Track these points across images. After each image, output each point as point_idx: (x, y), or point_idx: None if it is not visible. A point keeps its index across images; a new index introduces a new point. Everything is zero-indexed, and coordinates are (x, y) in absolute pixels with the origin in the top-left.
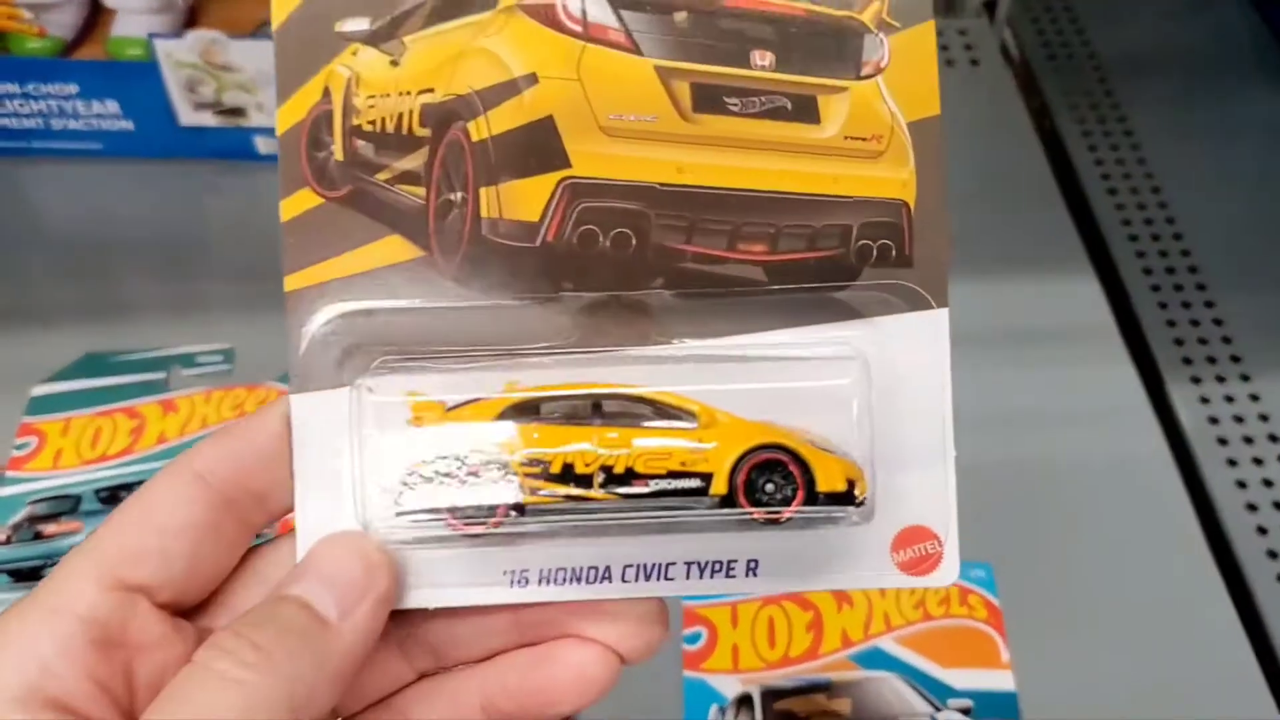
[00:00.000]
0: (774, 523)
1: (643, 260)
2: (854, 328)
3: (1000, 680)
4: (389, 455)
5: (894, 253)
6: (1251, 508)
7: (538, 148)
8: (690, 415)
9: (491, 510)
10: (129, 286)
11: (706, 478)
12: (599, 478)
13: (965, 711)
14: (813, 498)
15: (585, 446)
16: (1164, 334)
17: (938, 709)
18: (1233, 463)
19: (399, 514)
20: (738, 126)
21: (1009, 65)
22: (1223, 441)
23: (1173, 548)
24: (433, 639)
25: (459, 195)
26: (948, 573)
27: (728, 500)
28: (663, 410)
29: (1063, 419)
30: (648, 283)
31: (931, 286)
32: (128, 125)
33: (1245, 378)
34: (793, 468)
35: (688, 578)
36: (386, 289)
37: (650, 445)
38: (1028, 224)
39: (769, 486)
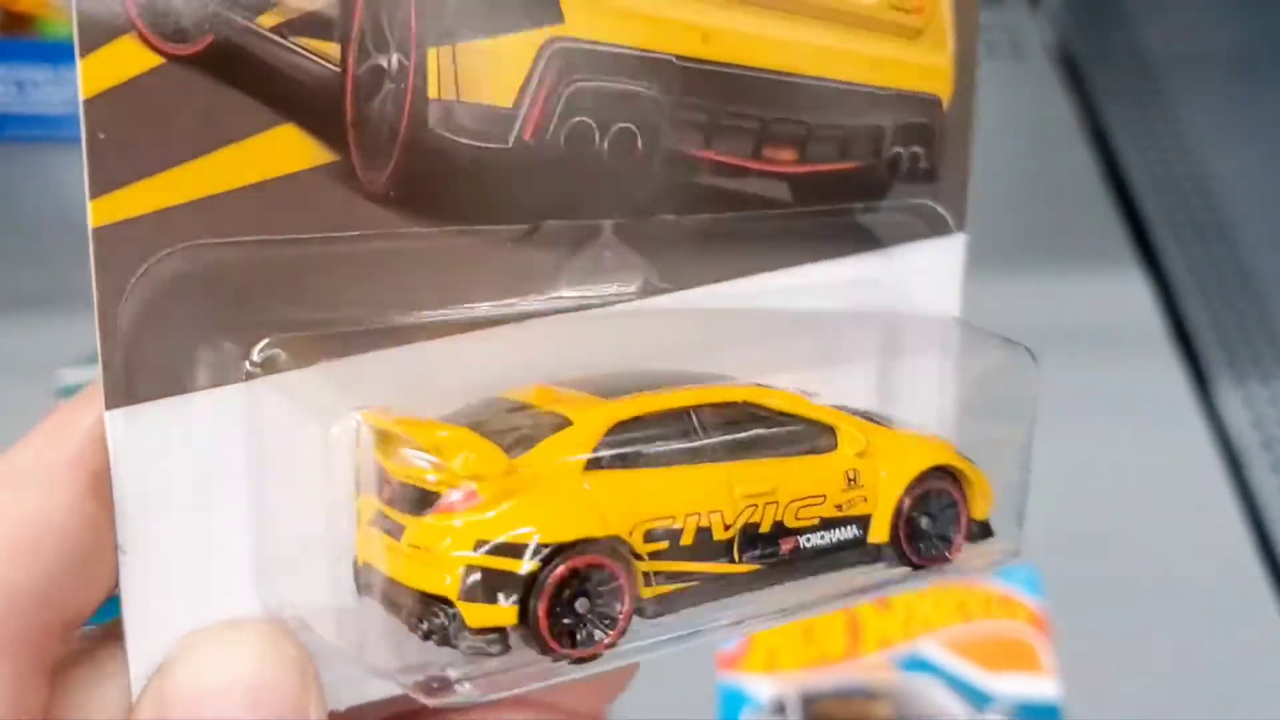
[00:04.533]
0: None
1: (649, 173)
2: (875, 261)
3: (1041, 685)
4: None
5: (921, 163)
6: None
7: None
8: (827, 431)
9: (611, 623)
10: None
11: (864, 523)
12: (740, 542)
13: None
14: (968, 530)
15: (722, 500)
16: (1210, 334)
17: (978, 714)
18: (1279, 467)
19: (460, 637)
20: None
21: (1054, 59)
22: (1268, 446)
23: (1220, 553)
24: None
25: (394, 60)
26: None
27: (885, 548)
28: (796, 425)
29: (1109, 419)
30: (657, 207)
31: (954, 205)
32: None
33: None
34: (955, 493)
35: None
36: (274, 220)
37: (799, 485)
38: (1074, 221)
39: (924, 522)
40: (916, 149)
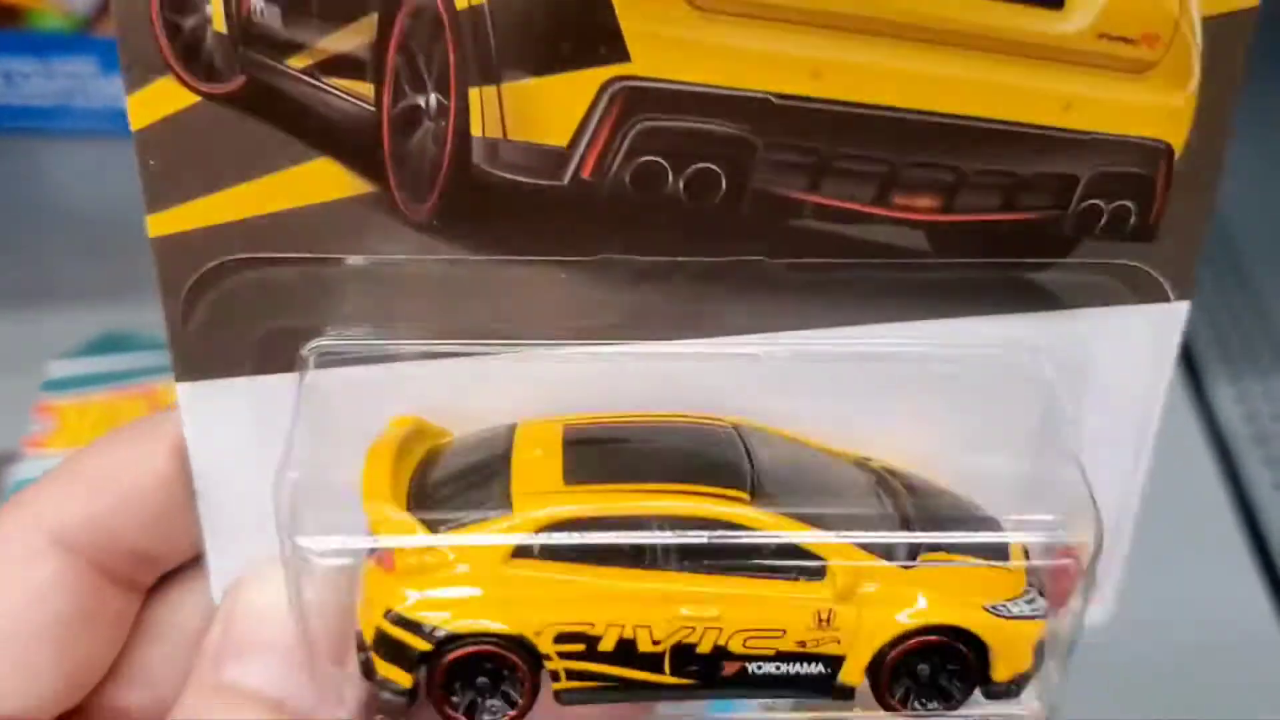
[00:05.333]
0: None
1: (735, 214)
2: (1047, 323)
3: None
4: (335, 600)
5: (1133, 219)
6: None
7: (572, 23)
8: (815, 561)
9: (510, 704)
10: (148, 265)
11: (834, 663)
12: (671, 658)
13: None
14: (986, 688)
15: (653, 615)
16: (1204, 329)
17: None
18: (1271, 462)
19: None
20: (925, 3)
21: None
22: (1261, 440)
23: (1212, 546)
24: None
25: (432, 100)
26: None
27: (860, 691)
28: (772, 554)
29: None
30: (742, 249)
31: (1173, 269)
32: None
33: None
34: (966, 652)
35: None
36: (314, 241)
37: (752, 615)
38: None
39: (922, 668)
40: (1126, 203)
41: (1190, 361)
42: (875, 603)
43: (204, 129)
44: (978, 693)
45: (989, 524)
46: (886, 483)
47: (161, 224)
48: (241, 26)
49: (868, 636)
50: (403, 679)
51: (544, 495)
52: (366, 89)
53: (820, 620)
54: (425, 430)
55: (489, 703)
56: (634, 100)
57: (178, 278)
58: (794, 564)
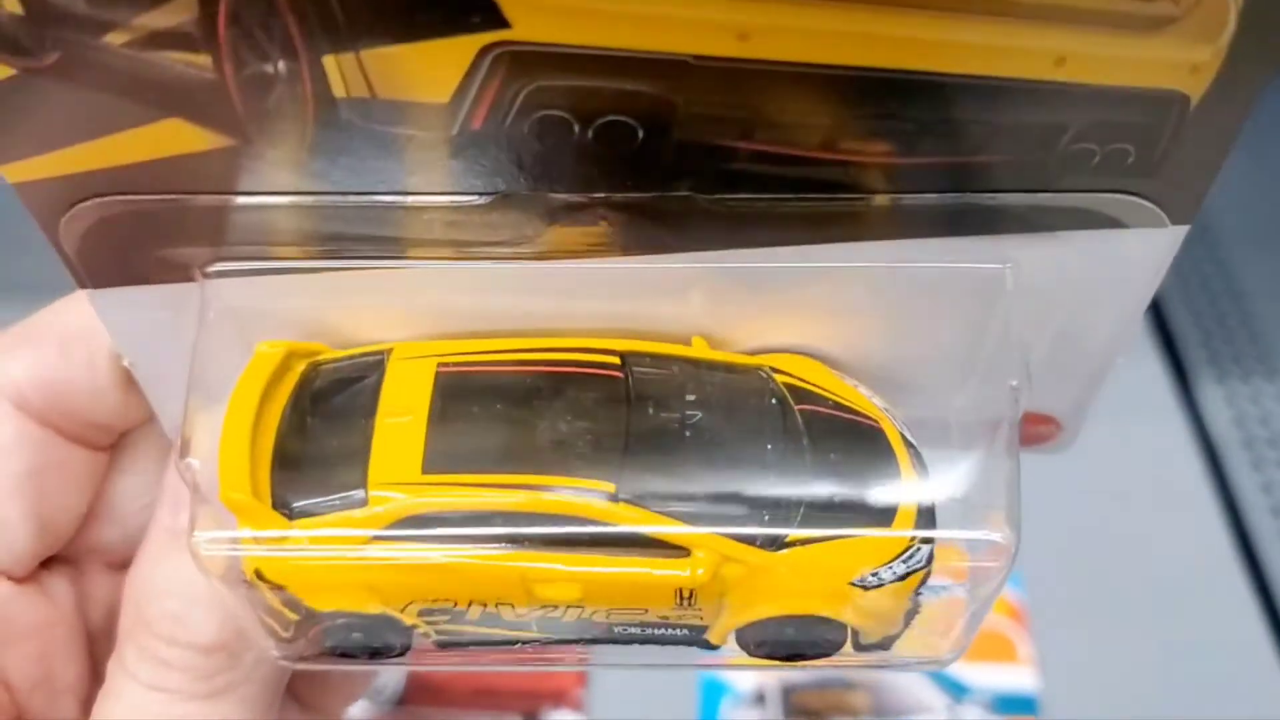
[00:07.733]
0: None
1: (657, 158)
2: (1021, 244)
3: (1018, 676)
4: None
5: (1131, 159)
6: (1278, 513)
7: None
8: (679, 552)
9: (382, 652)
10: None
11: (699, 630)
12: (537, 624)
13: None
14: (855, 645)
15: (515, 595)
16: (1192, 332)
17: (955, 705)
18: (1258, 465)
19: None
20: None
21: None
22: (1248, 444)
23: (1199, 549)
24: None
25: (281, 66)
26: (1064, 445)
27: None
28: (634, 541)
29: (1091, 415)
30: (666, 187)
31: (1172, 199)
32: None
33: (1271, 378)
34: (828, 627)
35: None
36: (180, 186)
37: (616, 594)
38: None
39: (787, 631)
40: (1124, 146)
41: (1178, 365)
42: (737, 586)
43: (29, 100)
44: None
45: (885, 459)
46: (783, 422)
47: (17, 172)
48: (38, 7)
49: (729, 617)
50: (279, 629)
51: (401, 487)
52: (202, 59)
53: (682, 598)
54: (294, 355)
55: (366, 654)
56: (520, 64)
57: (49, 217)
58: (660, 551)
